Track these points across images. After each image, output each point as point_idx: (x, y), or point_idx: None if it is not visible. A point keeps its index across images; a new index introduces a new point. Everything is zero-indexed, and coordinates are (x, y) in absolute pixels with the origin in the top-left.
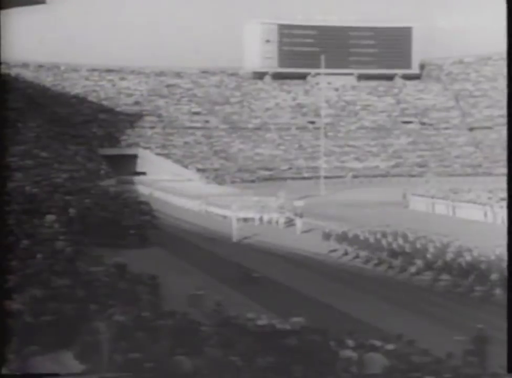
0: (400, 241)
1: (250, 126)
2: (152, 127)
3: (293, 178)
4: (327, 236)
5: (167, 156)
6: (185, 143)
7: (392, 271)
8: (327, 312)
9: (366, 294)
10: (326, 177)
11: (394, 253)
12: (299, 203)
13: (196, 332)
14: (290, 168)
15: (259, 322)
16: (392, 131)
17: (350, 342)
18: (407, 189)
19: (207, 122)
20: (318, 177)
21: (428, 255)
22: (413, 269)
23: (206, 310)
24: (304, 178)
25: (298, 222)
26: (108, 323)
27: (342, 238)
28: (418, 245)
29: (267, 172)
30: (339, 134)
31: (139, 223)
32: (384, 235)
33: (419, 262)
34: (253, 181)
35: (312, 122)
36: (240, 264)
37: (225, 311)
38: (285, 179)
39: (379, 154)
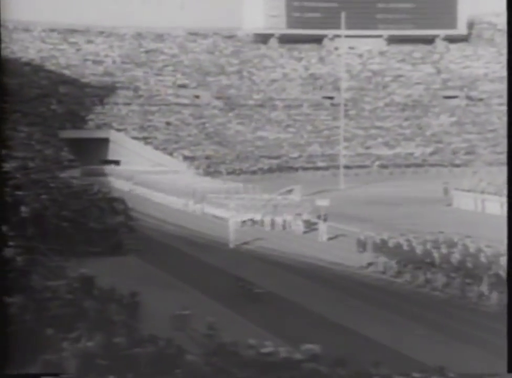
0: (456, 253)
1: (251, 102)
2: (127, 104)
3: (305, 169)
4: (362, 245)
5: (146, 140)
6: (169, 123)
7: (444, 291)
8: (348, 337)
9: (404, 318)
10: (346, 167)
11: (449, 269)
12: (323, 202)
13: (183, 362)
14: (301, 156)
15: (263, 350)
16: (430, 108)
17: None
18: (450, 182)
19: (197, 97)
20: (336, 167)
21: (501, 272)
22: (480, 289)
23: (195, 334)
24: (319, 168)
25: (322, 226)
26: (71, 352)
27: (381, 248)
28: (482, 259)
29: (272, 161)
30: (363, 113)
31: (111, 226)
32: (436, 245)
33: (486, 280)
34: (254, 172)
35: (330, 98)
36: (239, 277)
37: (219, 335)
38: (295, 169)
39: (414, 138)
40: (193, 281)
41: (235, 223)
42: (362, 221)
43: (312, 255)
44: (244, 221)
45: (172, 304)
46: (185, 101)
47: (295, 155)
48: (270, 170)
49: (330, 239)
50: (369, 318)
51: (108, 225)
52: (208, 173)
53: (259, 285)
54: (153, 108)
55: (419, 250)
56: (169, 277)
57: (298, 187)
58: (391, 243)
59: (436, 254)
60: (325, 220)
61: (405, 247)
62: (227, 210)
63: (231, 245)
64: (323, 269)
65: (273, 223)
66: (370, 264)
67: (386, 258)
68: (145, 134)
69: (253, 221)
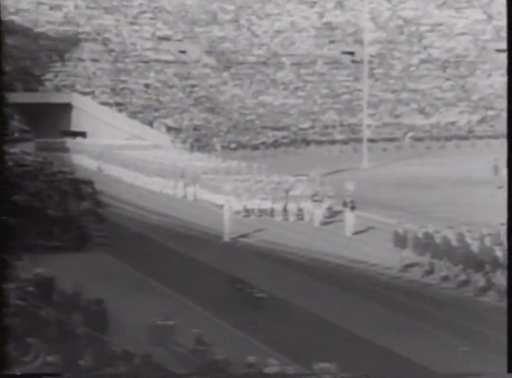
0: None
1: (251, 59)
2: (94, 61)
3: (319, 142)
4: (400, 241)
5: (119, 107)
6: (148, 86)
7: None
8: (375, 355)
9: (455, 335)
10: (371, 141)
11: None
12: (349, 185)
13: None
14: (314, 127)
15: (266, 369)
16: (478, 65)
17: None
18: (501, 159)
19: (182, 52)
20: (358, 141)
21: None
22: None
23: (180, 350)
24: (336, 141)
25: (349, 217)
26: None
27: (425, 244)
28: None
29: (278, 133)
30: (393, 72)
31: (75, 214)
32: (497, 241)
33: None
34: (255, 147)
35: (350, 53)
36: (236, 278)
37: (210, 352)
38: (306, 143)
39: (457, 103)
40: (178, 283)
41: (230, 209)
42: (392, 208)
43: (334, 253)
44: (248, 210)
45: (151, 312)
46: (168, 57)
47: (306, 125)
48: (276, 144)
49: (357, 232)
50: (409, 334)
51: (72, 213)
52: (197, 148)
53: (262, 289)
54: (128, 67)
55: (475, 247)
56: (147, 278)
57: (317, 170)
58: (437, 238)
59: (499, 253)
60: (353, 208)
61: (455, 242)
62: (226, 195)
63: (226, 239)
64: (347, 269)
65: (285, 212)
66: (410, 265)
67: (432, 257)
68: (118, 99)
69: (260, 210)
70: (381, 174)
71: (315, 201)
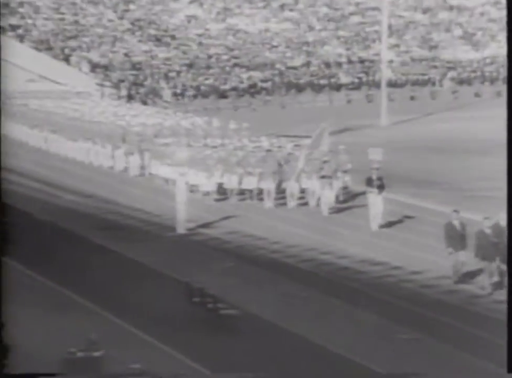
0: None
1: None
2: None
3: (316, 87)
4: (455, 237)
5: (16, 32)
6: (61, 3)
7: None
8: None
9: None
10: (392, 85)
11: None
12: (375, 153)
13: None
14: (308, 64)
15: None
16: None
17: None
18: None
19: None
20: (374, 85)
21: None
22: None
23: None
24: (342, 86)
25: (376, 201)
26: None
27: (493, 243)
28: None
29: (256, 75)
30: None
31: None
32: None
33: None
34: (223, 94)
35: None
36: (194, 287)
37: None
38: (298, 88)
39: None
40: (109, 297)
41: (184, 188)
42: (423, 184)
43: (353, 255)
44: (223, 191)
45: (69, 339)
46: None
47: (298, 62)
48: (253, 90)
49: (387, 224)
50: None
51: None
52: (137, 97)
53: (232, 303)
54: None
55: None
56: (60, 288)
57: (324, 125)
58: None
59: None
60: (381, 187)
61: None
62: (181, 166)
63: (180, 230)
64: (375, 282)
65: (279, 194)
66: (472, 274)
67: (503, 262)
68: (14, 21)
69: (242, 191)
70: (407, 134)
71: (324, 178)
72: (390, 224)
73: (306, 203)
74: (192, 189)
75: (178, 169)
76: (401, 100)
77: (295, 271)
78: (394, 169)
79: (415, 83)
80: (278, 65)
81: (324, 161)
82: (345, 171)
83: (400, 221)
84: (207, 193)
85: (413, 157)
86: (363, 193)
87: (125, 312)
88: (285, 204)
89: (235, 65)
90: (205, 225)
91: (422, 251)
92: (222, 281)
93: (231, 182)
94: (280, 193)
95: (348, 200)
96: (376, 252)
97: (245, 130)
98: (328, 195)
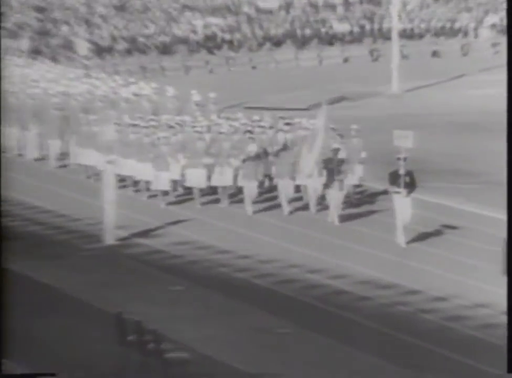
0: None
1: None
2: None
3: (299, 38)
4: None
5: None
6: None
7: None
8: None
9: None
10: (406, 36)
11: None
12: (403, 139)
13: None
14: (289, 4)
15: None
16: None
17: None
18: None
19: None
20: (380, 35)
21: None
22: None
23: None
24: (338, 37)
25: (403, 204)
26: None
27: None
28: None
29: (212, 21)
30: None
31: None
32: None
33: None
34: (169, 49)
35: None
36: (126, 320)
37: None
38: (273, 42)
39: None
40: (4, 334)
41: (113, 181)
42: (455, 177)
43: (370, 278)
44: (183, 189)
45: None
46: None
47: (273, 2)
48: (210, 44)
49: (419, 237)
50: None
51: None
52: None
53: (180, 343)
54: None
55: None
56: None
57: (323, 106)
58: None
59: None
60: (410, 186)
61: None
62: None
63: (109, 240)
64: (402, 320)
65: (265, 193)
66: None
67: None
68: None
69: (211, 190)
70: (427, 106)
71: (329, 171)
72: (423, 237)
73: (303, 207)
74: (140, 188)
75: (105, 155)
76: (419, 57)
77: (270, 297)
78: (414, 156)
79: (439, 33)
80: (246, 8)
81: (335, 150)
82: (360, 163)
83: (437, 233)
84: (162, 193)
85: (437, 138)
86: (384, 193)
87: (30, 357)
88: (270, 209)
89: (185, 8)
90: (144, 233)
91: (469, 276)
92: (167, 311)
93: (194, 178)
94: (266, 193)
95: (362, 203)
96: (408, 279)
97: (214, 102)
98: (336, 196)
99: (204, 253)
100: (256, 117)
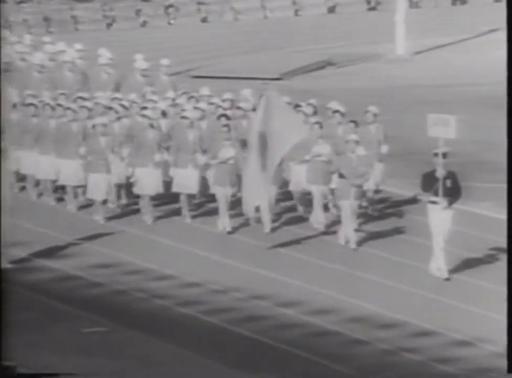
0: None
1: None
2: None
3: None
4: None
5: None
6: None
7: None
8: None
9: None
10: None
11: None
12: (442, 125)
13: None
14: None
15: None
16: None
17: None
18: None
19: None
20: None
21: None
22: None
23: None
24: None
25: (445, 219)
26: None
27: None
28: None
29: None
30: None
31: None
32: None
33: None
34: None
35: None
36: None
37: None
38: None
39: None
40: None
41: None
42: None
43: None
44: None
45: None
46: None
47: None
48: None
49: (460, 268)
50: None
51: None
52: None
53: None
54: None
55: None
56: None
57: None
58: None
59: None
60: (453, 194)
61: None
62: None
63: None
64: None
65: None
66: None
67: None
68: None
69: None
70: (443, 73)
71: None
72: (468, 265)
73: (297, 219)
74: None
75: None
76: (434, 5)
77: (232, 344)
78: (429, 144)
79: None
80: None
81: (351, 142)
82: (381, 160)
83: (487, 260)
84: (99, 203)
85: (458, 118)
86: (412, 202)
87: None
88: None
89: None
90: (49, 252)
91: None
92: (79, 362)
93: (183, 180)
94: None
95: (383, 217)
96: (439, 319)
97: (167, 73)
98: (348, 205)
99: (136, 280)
100: (228, 95)
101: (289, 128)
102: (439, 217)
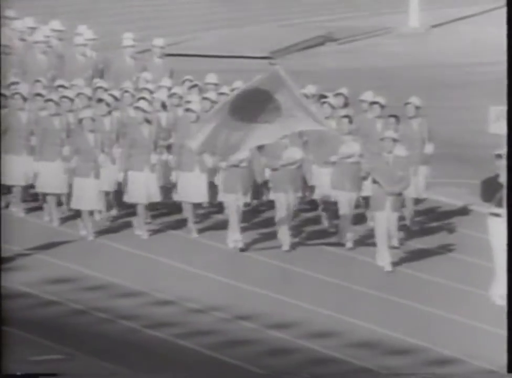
0: None
1: None
2: None
3: None
4: None
5: None
6: None
7: None
8: None
9: None
10: None
11: None
12: (501, 118)
13: None
14: None
15: None
16: None
17: None
18: None
19: None
20: None
21: None
22: None
23: None
24: None
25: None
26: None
27: None
28: None
29: None
30: None
31: None
32: None
33: None
34: None
35: None
36: None
37: None
38: None
39: None
40: None
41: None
42: None
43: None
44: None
45: None
46: None
47: None
48: None
49: None
50: None
51: None
52: None
53: None
54: None
55: None
56: None
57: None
58: None
59: None
60: None
61: None
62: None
63: None
64: None
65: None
66: None
67: None
68: None
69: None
70: (466, 50)
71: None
72: None
73: (321, 234)
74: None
75: None
76: None
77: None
78: (444, 136)
79: None
80: None
81: (384, 139)
82: (424, 163)
83: None
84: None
85: (485, 105)
86: (464, 213)
87: None
88: (262, 240)
89: None
90: None
91: None
92: None
93: (191, 188)
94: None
95: (428, 232)
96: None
97: (161, 56)
98: (384, 218)
99: (99, 297)
100: (212, 78)
101: (293, 112)
102: (503, 232)
